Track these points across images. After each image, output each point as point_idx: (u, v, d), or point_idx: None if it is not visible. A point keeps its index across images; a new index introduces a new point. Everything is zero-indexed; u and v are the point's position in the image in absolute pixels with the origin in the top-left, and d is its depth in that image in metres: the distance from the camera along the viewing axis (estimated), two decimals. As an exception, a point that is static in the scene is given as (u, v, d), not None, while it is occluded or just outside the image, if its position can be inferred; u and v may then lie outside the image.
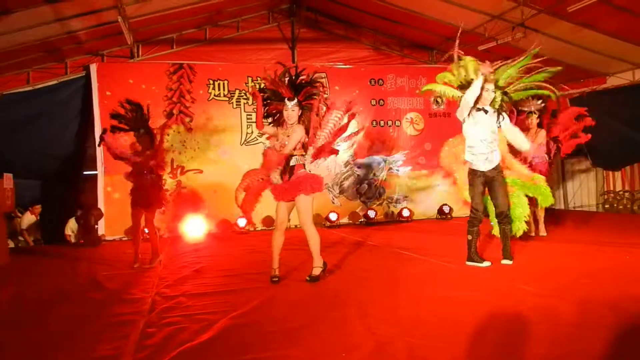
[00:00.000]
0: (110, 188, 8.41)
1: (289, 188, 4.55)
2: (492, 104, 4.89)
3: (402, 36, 10.12)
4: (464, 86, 4.83)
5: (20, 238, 8.63)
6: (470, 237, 5.01)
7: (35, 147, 8.26)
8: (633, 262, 4.86)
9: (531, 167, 6.24)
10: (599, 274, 4.41)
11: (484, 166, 4.92)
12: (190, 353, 2.91)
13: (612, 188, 10.04)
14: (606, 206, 10.02)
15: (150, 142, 5.80)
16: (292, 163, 4.57)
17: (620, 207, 9.67)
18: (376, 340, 2.96)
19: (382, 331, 3.10)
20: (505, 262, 4.98)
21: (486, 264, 4.92)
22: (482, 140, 4.87)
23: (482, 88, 4.71)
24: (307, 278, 4.61)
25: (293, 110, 4.55)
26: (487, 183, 4.98)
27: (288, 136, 4.55)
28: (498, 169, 4.99)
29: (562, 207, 10.43)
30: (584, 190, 10.68)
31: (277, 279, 4.63)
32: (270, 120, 4.80)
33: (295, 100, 4.55)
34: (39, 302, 4.41)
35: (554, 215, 7.07)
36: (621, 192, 9.79)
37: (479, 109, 4.85)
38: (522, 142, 5.06)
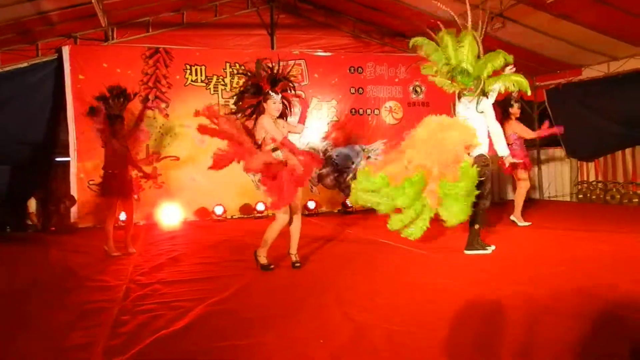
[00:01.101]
0: (83, 175, 8.23)
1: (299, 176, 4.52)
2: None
3: (382, 24, 10.08)
4: (458, 70, 4.80)
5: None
6: (478, 227, 5.05)
7: (5, 132, 8.02)
8: (608, 251, 4.96)
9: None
10: (575, 262, 4.49)
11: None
12: (166, 340, 2.87)
13: (585, 178, 10.23)
14: (580, 196, 10.20)
15: (122, 127, 5.74)
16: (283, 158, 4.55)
17: (594, 197, 9.86)
18: (354, 327, 2.95)
19: (361, 318, 3.10)
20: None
21: (491, 248, 5.01)
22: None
23: None
24: (298, 264, 4.67)
25: (281, 104, 4.58)
26: None
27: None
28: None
29: (538, 196, 10.59)
30: (558, 180, 10.86)
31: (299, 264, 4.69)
32: (240, 115, 4.73)
33: (279, 95, 4.57)
34: (11, 290, 4.30)
35: (529, 205, 7.18)
36: (594, 183, 9.98)
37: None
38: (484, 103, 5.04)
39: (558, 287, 3.63)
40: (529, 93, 4.84)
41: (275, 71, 4.63)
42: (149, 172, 6.17)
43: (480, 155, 4.89)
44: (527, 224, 6.83)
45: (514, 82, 4.77)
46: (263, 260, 4.63)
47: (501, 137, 5.17)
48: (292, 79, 4.79)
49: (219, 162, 4.51)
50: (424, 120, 4.70)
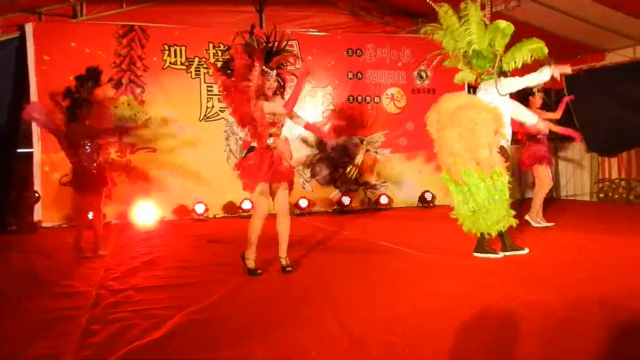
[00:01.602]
0: (48, 168, 8.19)
1: (286, 168, 4.56)
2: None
3: (384, 1, 10.09)
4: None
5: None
6: None
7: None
8: (633, 256, 5.00)
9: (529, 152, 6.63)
10: (596, 268, 4.53)
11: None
12: (141, 352, 2.87)
13: (607, 176, 10.29)
14: (601, 195, 10.27)
15: (89, 113, 5.71)
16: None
17: (616, 196, 9.93)
18: (351, 338, 2.96)
19: (357, 329, 3.11)
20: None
21: (499, 255, 5.00)
22: None
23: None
24: (289, 268, 4.66)
25: (275, 81, 4.54)
26: None
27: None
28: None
29: (554, 195, 10.64)
30: (577, 177, 10.92)
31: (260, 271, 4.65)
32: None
33: (274, 70, 4.52)
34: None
35: (545, 204, 7.22)
36: (617, 181, 10.04)
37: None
38: (516, 81, 5.05)
39: (578, 295, 3.65)
40: (545, 51, 4.85)
41: (269, 43, 4.54)
42: (124, 162, 6.14)
43: (502, 148, 4.93)
44: (546, 224, 6.89)
45: (533, 50, 4.80)
46: (250, 263, 4.62)
47: (523, 107, 5.24)
48: (287, 54, 4.71)
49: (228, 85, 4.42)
50: (444, 98, 4.76)
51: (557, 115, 7.06)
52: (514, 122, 5.38)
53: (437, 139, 4.83)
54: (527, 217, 6.98)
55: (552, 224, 6.93)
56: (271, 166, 4.44)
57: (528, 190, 10.51)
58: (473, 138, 4.56)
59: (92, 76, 5.76)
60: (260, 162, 4.43)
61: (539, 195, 7.01)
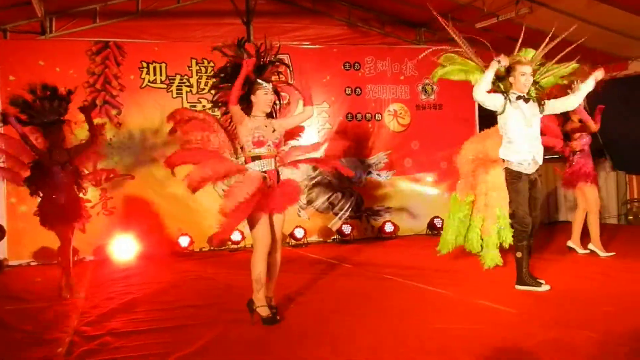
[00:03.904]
0: (15, 199, 8.21)
1: (281, 196, 4.44)
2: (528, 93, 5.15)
3: (383, 10, 10.22)
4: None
5: None
6: (520, 255, 5.09)
7: None
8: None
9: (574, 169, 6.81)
10: (623, 299, 4.55)
11: (531, 168, 5.10)
12: (120, 407, 2.87)
13: (636, 196, 10.33)
14: (629, 217, 10.30)
15: (61, 135, 5.78)
16: (274, 166, 4.48)
17: (647, 218, 9.97)
18: (353, 385, 2.97)
19: (361, 374, 3.12)
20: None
21: (545, 287, 5.01)
22: (526, 134, 5.05)
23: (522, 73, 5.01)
24: (274, 310, 4.47)
25: (273, 94, 4.53)
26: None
27: (274, 130, 4.45)
28: (539, 172, 5.23)
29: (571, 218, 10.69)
30: (602, 197, 10.95)
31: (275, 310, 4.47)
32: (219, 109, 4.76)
33: (270, 83, 4.52)
34: None
35: (566, 229, 7.26)
36: (648, 201, 10.10)
37: (519, 97, 5.06)
38: (571, 101, 5.29)
39: (603, 329, 3.67)
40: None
41: (261, 53, 4.56)
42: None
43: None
44: (606, 253, 6.79)
45: (568, 72, 5.23)
46: (264, 311, 4.34)
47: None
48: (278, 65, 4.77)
49: (175, 161, 4.45)
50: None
51: (596, 127, 6.90)
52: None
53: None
54: (570, 244, 7.02)
55: (613, 253, 6.78)
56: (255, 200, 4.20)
57: (561, 212, 10.54)
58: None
59: (51, 96, 5.79)
60: (246, 197, 4.15)
61: (591, 219, 6.87)
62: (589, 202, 6.89)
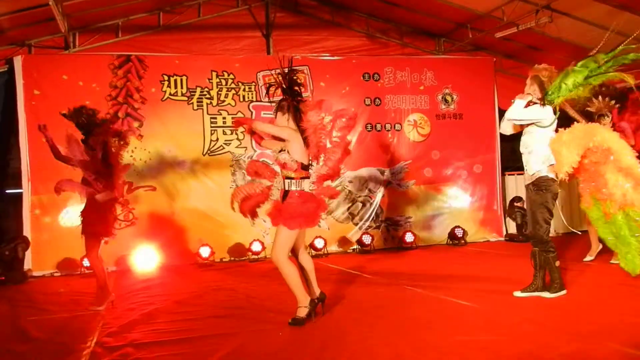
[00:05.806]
0: (39, 211, 8.32)
1: (278, 212, 4.64)
2: None
3: (402, 21, 10.23)
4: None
5: None
6: (558, 263, 5.16)
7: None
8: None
9: None
10: (646, 310, 4.47)
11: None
12: (140, 418, 2.88)
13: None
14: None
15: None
16: (287, 187, 4.67)
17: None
18: (372, 397, 2.95)
19: (380, 386, 3.10)
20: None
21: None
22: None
23: None
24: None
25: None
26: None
27: (287, 151, 4.66)
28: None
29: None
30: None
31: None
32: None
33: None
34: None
35: (581, 238, 7.24)
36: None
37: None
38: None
39: (627, 342, 3.61)
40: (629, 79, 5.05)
41: (286, 77, 4.73)
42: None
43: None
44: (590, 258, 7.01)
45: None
46: (301, 312, 4.67)
47: None
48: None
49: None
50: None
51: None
52: None
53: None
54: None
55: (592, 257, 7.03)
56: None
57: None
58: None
59: (86, 121, 5.87)
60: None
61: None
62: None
